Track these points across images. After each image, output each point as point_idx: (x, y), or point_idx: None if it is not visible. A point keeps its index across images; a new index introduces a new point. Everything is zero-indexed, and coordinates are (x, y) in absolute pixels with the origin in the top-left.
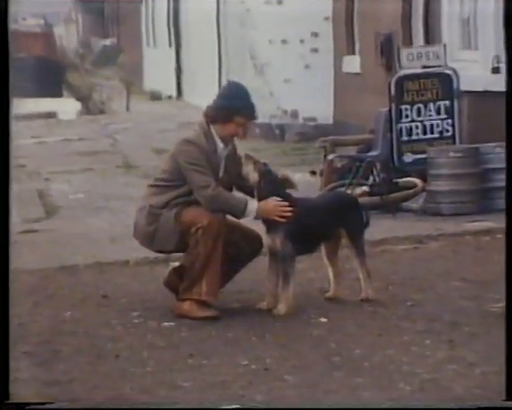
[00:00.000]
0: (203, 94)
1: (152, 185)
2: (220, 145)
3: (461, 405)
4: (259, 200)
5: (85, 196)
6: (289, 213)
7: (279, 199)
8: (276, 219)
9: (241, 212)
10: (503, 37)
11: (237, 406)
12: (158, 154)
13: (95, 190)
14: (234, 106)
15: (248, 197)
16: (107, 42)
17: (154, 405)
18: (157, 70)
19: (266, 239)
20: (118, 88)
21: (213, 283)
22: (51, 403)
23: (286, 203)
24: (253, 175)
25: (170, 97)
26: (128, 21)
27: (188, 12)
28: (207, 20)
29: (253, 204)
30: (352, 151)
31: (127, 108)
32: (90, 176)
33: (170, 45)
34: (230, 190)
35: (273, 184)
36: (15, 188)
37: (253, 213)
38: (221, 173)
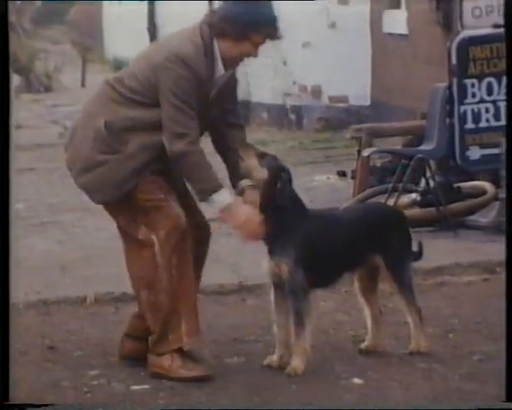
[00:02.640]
0: None
1: (113, 87)
2: (220, 69)
3: (461, 405)
4: (264, 208)
5: (25, 207)
6: (255, 239)
7: (251, 211)
8: (239, 237)
9: (206, 193)
10: (504, 33)
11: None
12: None
13: (39, 198)
14: (255, 18)
15: (223, 184)
16: None
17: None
18: (122, 29)
19: (269, 265)
20: (69, 55)
21: (193, 314)
22: (51, 405)
23: (258, 221)
24: (259, 173)
25: None
26: None
27: None
28: None
29: (224, 196)
30: (396, 144)
31: (82, 84)
32: (32, 179)
33: None
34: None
35: (288, 188)
36: None
37: (217, 206)
38: (206, 111)
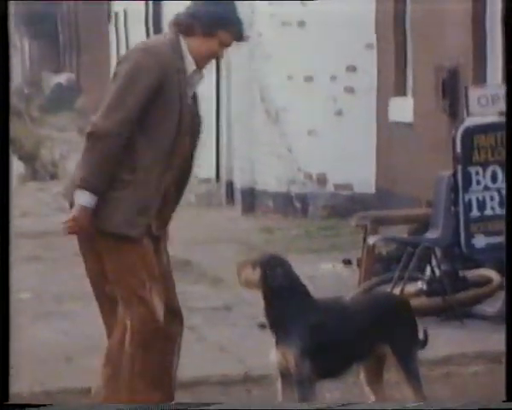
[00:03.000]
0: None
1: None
2: (191, 63)
3: (461, 406)
4: (268, 304)
5: (31, 297)
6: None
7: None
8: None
9: (80, 180)
10: (503, 39)
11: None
12: None
13: (44, 286)
14: (221, 16)
15: None
16: (63, 79)
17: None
18: None
19: (276, 355)
20: (75, 143)
21: None
22: (51, 405)
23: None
24: (253, 278)
25: None
26: (91, 51)
27: None
28: None
29: (87, 198)
30: (401, 232)
31: None
32: (37, 267)
33: None
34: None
35: (285, 280)
36: None
37: (77, 200)
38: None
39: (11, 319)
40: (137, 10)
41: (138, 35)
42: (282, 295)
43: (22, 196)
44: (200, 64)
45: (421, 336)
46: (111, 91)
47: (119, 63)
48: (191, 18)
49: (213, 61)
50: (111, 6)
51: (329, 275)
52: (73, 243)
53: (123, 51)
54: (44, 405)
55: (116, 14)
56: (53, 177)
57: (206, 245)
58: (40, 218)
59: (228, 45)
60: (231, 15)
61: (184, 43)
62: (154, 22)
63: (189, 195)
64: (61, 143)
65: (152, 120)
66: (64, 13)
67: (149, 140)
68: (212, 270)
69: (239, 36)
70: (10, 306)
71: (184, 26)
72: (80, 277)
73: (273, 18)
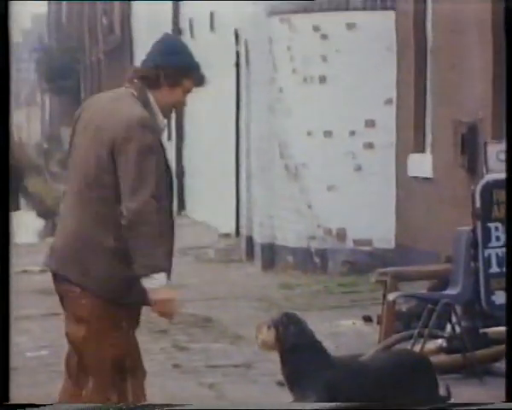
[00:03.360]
0: (213, 208)
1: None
2: (162, 120)
3: (461, 406)
4: (283, 362)
5: (50, 353)
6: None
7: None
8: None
9: (147, 268)
10: (505, 40)
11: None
12: None
13: (63, 343)
14: (184, 64)
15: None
16: None
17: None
18: None
19: None
20: None
21: None
22: (50, 405)
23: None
24: (268, 339)
25: None
26: None
27: (196, 93)
28: (221, 105)
29: (163, 278)
30: (421, 288)
31: None
32: (56, 324)
33: (169, 139)
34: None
35: (299, 337)
36: None
37: (154, 285)
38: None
39: (11, 319)
40: None
41: None
42: (297, 353)
43: (42, 252)
44: (166, 114)
45: (443, 392)
46: (130, 174)
47: (123, 141)
48: (156, 70)
49: (232, 119)
50: (134, 62)
51: (349, 332)
52: None
53: None
54: (44, 405)
55: None
56: None
57: (226, 301)
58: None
59: (190, 92)
60: (192, 62)
61: (152, 97)
62: None
63: (209, 250)
64: None
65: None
66: (87, 68)
67: (161, 207)
68: (232, 327)
69: (201, 81)
70: (10, 305)
71: (151, 79)
72: None
73: (295, 74)
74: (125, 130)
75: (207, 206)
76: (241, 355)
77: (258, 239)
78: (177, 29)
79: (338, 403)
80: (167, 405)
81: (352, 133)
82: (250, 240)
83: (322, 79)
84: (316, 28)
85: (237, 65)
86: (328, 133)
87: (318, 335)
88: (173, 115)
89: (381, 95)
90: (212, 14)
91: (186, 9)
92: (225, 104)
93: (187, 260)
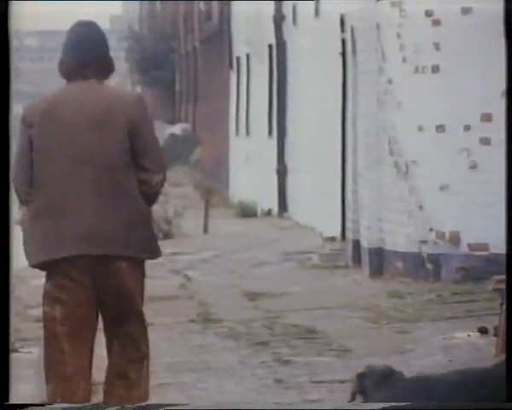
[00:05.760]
0: (317, 210)
1: None
2: None
3: (461, 406)
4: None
5: None
6: None
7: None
8: None
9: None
10: (505, 38)
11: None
12: (251, 300)
13: (156, 355)
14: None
15: None
16: (177, 129)
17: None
18: (250, 172)
19: None
20: (191, 199)
21: None
22: (51, 404)
23: None
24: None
25: (268, 213)
26: (209, 100)
27: (298, 86)
28: (325, 98)
29: None
30: None
31: (205, 230)
32: (150, 335)
33: (270, 135)
34: None
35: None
36: None
37: None
38: None
39: (12, 320)
40: (261, 54)
41: (261, 80)
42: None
43: None
44: None
45: None
46: (151, 149)
47: (139, 121)
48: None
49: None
50: (233, 51)
51: (464, 345)
52: (189, 308)
53: (243, 100)
54: (44, 405)
55: (238, 59)
56: (166, 235)
57: (331, 311)
58: (152, 280)
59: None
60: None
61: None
62: (278, 63)
63: (313, 255)
64: (175, 198)
65: None
66: (182, 58)
67: None
68: (337, 339)
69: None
70: (11, 305)
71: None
72: (197, 346)
73: (405, 63)
74: (137, 110)
75: (311, 207)
76: (348, 370)
77: (366, 244)
78: (279, 16)
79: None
80: (168, 405)
81: (467, 128)
82: (357, 244)
83: (435, 69)
84: (428, 13)
85: (343, 54)
86: (440, 128)
87: (431, 348)
88: (274, 110)
89: (499, 86)
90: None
91: None
92: (330, 97)
93: (289, 266)
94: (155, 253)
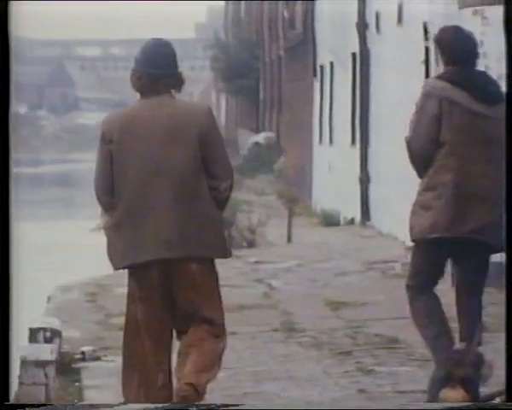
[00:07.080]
0: (400, 218)
1: None
2: None
3: (461, 406)
4: None
5: (226, 376)
6: None
7: None
8: None
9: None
10: (504, 38)
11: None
12: (334, 309)
13: (240, 365)
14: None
15: None
16: (261, 137)
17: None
18: (333, 181)
19: None
20: (274, 207)
21: None
22: (51, 404)
23: None
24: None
25: (351, 222)
26: (293, 109)
27: (381, 94)
28: (409, 107)
29: None
30: None
31: (288, 239)
32: (233, 344)
33: (352, 143)
34: None
35: None
36: None
37: None
38: None
39: (12, 320)
40: (345, 62)
41: (344, 88)
42: None
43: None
44: None
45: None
46: (221, 158)
47: (209, 131)
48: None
49: None
50: (317, 59)
51: None
52: (272, 317)
53: (327, 108)
54: (44, 405)
55: (322, 68)
56: (250, 244)
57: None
58: (235, 289)
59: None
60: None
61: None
62: (361, 72)
63: (396, 264)
64: (259, 207)
65: None
66: (266, 66)
67: None
68: (420, 349)
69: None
70: (11, 305)
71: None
72: (280, 355)
73: (488, 71)
74: (207, 121)
75: (393, 216)
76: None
77: None
78: (362, 24)
79: None
80: (168, 405)
81: None
82: None
83: None
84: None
85: (426, 62)
86: None
87: None
88: (357, 119)
89: None
90: (400, 7)
91: (372, 2)
92: (413, 106)
93: (372, 275)
94: (225, 252)
